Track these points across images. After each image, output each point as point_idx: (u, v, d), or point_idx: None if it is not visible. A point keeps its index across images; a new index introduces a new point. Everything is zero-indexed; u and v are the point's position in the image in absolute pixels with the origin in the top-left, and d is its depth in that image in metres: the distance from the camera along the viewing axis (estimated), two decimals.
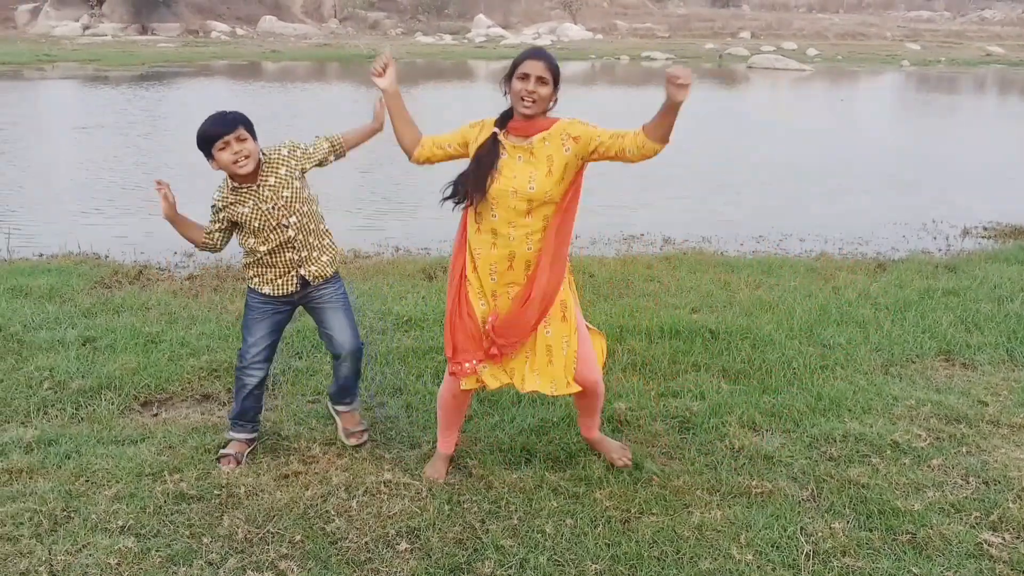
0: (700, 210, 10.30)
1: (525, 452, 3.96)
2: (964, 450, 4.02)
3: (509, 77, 3.48)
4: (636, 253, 7.89)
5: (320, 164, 3.86)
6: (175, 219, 3.72)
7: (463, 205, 3.55)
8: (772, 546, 3.28)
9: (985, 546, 3.28)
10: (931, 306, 6.02)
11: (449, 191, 3.57)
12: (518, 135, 3.49)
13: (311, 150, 3.81)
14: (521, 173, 3.43)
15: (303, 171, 3.78)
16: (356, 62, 35.44)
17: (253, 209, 3.68)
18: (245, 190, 3.69)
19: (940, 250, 8.33)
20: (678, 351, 5.11)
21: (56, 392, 4.51)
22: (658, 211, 10.00)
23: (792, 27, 57.95)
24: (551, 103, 3.48)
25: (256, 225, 3.69)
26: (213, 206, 3.76)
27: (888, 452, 3.97)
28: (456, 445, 3.86)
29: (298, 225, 3.74)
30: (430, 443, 4.01)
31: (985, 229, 9.21)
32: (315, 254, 3.81)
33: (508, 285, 3.54)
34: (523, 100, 3.41)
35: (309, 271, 3.80)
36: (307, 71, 31.95)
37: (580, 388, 3.58)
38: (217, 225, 3.78)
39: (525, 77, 3.40)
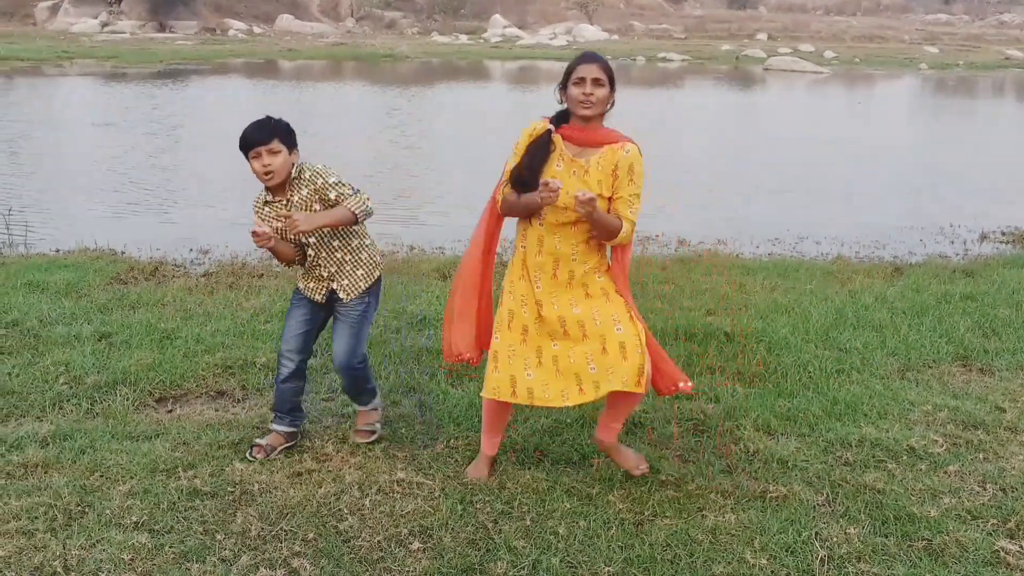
0: (715, 212, 10.27)
1: (538, 453, 3.95)
2: (981, 456, 3.98)
3: (564, 85, 3.48)
4: (651, 254, 7.86)
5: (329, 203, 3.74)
6: (274, 248, 3.74)
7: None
8: (786, 551, 3.26)
9: (1002, 553, 3.25)
10: (948, 311, 5.97)
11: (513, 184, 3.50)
12: (575, 143, 3.47)
13: (331, 187, 3.70)
14: (573, 189, 3.38)
15: (322, 199, 3.73)
16: (372, 61, 35.52)
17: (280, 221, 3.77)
18: (276, 203, 3.78)
19: (957, 255, 8.27)
20: (692, 353, 5.09)
21: (71, 387, 4.53)
22: (673, 212, 9.96)
23: (809, 29, 57.72)
24: (609, 105, 3.48)
25: (289, 238, 3.77)
26: (257, 212, 3.83)
27: (904, 457, 3.94)
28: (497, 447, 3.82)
29: (317, 244, 3.80)
30: (444, 442, 4.01)
31: (1003, 234, 9.14)
32: (347, 268, 3.86)
33: (552, 295, 3.51)
34: (581, 103, 3.41)
35: (341, 285, 3.86)
36: (323, 70, 32.04)
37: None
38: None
39: (580, 81, 3.41)
